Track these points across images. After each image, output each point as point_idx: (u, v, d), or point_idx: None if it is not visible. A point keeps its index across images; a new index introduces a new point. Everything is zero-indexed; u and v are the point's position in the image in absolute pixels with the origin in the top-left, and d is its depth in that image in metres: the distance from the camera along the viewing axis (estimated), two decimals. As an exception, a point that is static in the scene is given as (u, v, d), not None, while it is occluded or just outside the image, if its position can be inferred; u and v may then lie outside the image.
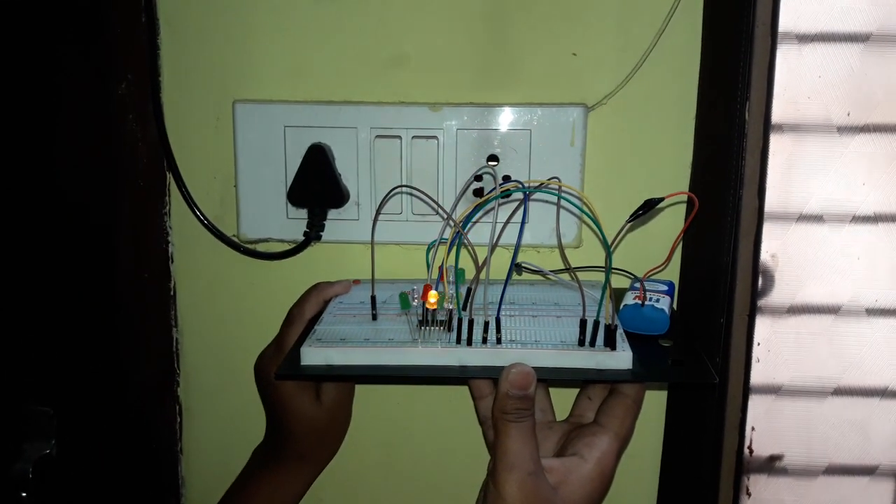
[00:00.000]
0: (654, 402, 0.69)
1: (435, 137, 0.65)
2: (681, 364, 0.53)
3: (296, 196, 0.66)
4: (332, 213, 0.67)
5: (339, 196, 0.65)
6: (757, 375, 0.62)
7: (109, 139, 0.66)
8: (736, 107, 0.56)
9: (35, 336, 0.71)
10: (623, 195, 0.65)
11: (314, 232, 0.66)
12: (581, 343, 0.52)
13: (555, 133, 0.64)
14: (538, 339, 0.53)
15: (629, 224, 0.52)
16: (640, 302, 0.56)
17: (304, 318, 0.61)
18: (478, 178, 0.65)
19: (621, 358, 0.51)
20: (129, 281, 0.69)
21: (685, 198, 0.65)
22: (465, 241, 0.53)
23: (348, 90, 0.66)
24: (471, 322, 0.52)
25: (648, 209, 0.51)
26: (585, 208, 0.51)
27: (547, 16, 0.63)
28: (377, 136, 0.65)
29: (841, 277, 0.62)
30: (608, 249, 0.49)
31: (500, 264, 0.62)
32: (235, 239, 0.69)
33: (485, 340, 0.52)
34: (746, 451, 0.64)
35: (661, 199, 0.51)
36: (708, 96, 0.62)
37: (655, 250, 0.65)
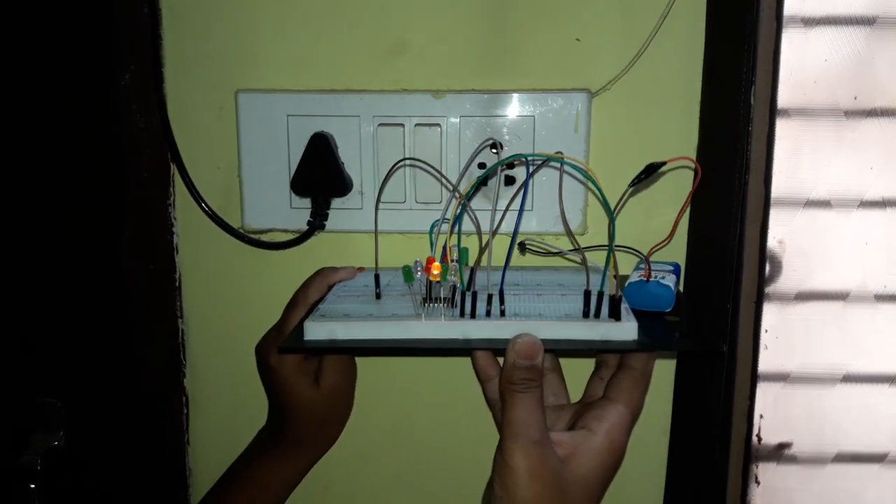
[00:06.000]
0: (661, 390, 0.68)
1: (438, 125, 0.65)
2: (687, 336, 0.52)
3: (299, 185, 0.65)
4: (335, 202, 0.67)
5: (342, 185, 0.65)
6: (765, 363, 0.62)
7: (113, 131, 0.66)
8: (741, 91, 0.56)
9: (42, 328, 0.71)
10: (627, 181, 0.65)
11: (318, 221, 0.66)
12: (585, 314, 0.52)
13: (558, 119, 0.64)
14: (542, 313, 0.53)
15: (631, 190, 0.51)
16: (644, 279, 0.56)
17: (307, 301, 0.61)
18: (482, 165, 0.65)
19: (626, 328, 0.51)
20: (134, 272, 0.69)
21: (691, 182, 0.64)
22: (469, 212, 0.53)
23: (351, 78, 0.66)
24: (474, 295, 0.52)
25: (650, 174, 0.50)
26: (589, 175, 0.51)
27: (550, 1, 0.63)
28: (380, 125, 0.65)
29: (849, 263, 0.61)
30: (611, 216, 0.49)
31: (503, 249, 0.62)
32: (240, 229, 0.69)
33: (488, 313, 0.52)
34: (755, 438, 0.63)
35: (663, 164, 0.50)
36: (713, 81, 0.61)
37: (661, 231, 0.64)
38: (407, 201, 0.66)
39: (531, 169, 0.62)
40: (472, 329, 0.52)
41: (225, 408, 0.74)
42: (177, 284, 0.70)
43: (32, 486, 0.70)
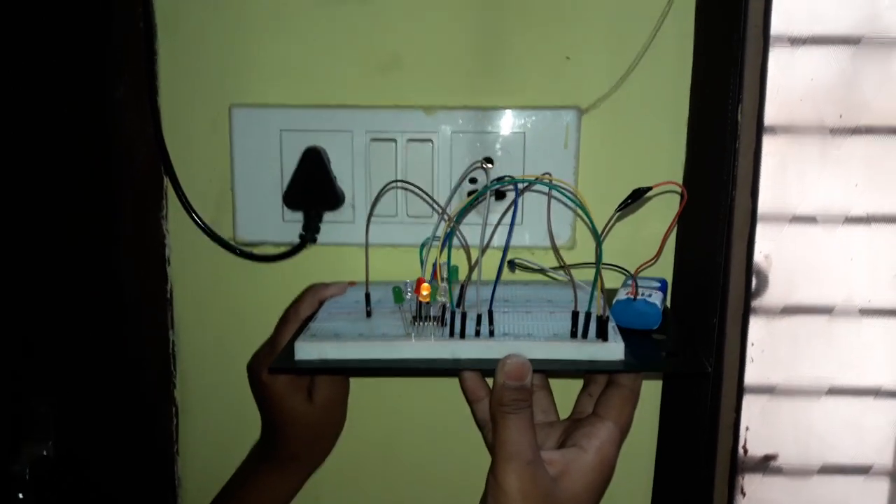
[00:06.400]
0: (648, 403, 0.69)
1: (430, 140, 0.65)
2: (674, 355, 0.53)
3: (292, 199, 0.66)
4: (327, 216, 0.67)
5: (334, 199, 0.66)
6: (751, 375, 0.62)
7: (107, 143, 0.67)
8: (728, 109, 0.57)
9: (33, 338, 0.71)
10: (616, 197, 0.64)
11: (310, 234, 0.66)
12: (573, 335, 0.52)
13: (549, 136, 0.65)
14: (531, 332, 0.53)
15: (618, 213, 0.52)
16: (632, 297, 0.56)
17: (298, 317, 0.62)
18: (472, 180, 0.65)
19: (613, 349, 0.51)
20: (126, 284, 0.69)
21: (678, 199, 0.65)
22: (458, 234, 0.53)
23: (344, 94, 0.66)
24: (464, 315, 0.52)
25: (637, 198, 0.51)
26: (577, 199, 0.52)
27: (540, 19, 0.64)
28: (372, 140, 0.66)
29: (834, 278, 0.62)
30: (598, 239, 0.50)
31: (493, 264, 0.62)
32: (232, 242, 0.69)
33: (478, 333, 0.52)
34: (741, 450, 0.64)
35: (650, 189, 0.51)
36: (701, 98, 0.62)
37: (648, 251, 0.65)
38: (398, 215, 0.67)
39: (520, 188, 0.62)
40: (461, 349, 0.52)
41: (215, 418, 0.74)
42: (168, 296, 0.71)
43: (21, 495, 0.69)
